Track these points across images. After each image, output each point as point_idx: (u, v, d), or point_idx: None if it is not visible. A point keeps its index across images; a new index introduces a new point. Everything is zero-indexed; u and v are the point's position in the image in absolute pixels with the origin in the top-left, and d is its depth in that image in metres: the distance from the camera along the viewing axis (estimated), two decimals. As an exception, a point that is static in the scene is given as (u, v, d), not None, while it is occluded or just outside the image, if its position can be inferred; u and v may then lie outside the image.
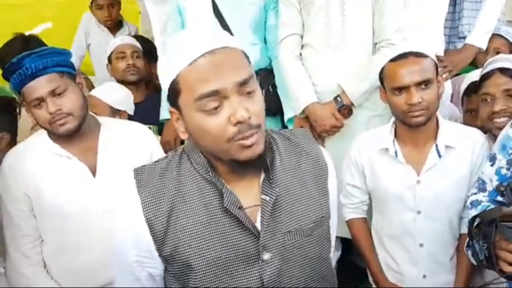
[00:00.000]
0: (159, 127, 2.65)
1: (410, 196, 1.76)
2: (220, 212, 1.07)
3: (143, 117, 2.51)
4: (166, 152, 2.49)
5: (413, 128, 1.73)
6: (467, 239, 1.43)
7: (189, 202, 1.07)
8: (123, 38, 2.88)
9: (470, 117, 2.09)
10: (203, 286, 1.07)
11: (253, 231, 1.07)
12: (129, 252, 1.10)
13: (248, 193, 1.09)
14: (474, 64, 2.47)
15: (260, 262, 1.08)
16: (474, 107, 2.04)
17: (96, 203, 1.66)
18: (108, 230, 1.61)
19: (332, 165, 1.23)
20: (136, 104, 2.56)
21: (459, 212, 1.77)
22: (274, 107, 2.37)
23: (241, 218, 1.06)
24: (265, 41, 2.40)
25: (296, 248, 1.12)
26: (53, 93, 1.57)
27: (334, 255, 2.44)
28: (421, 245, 1.79)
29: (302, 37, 2.27)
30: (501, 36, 2.61)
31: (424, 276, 1.81)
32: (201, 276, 1.07)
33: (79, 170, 1.66)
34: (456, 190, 1.74)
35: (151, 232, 1.06)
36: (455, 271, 1.81)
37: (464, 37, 2.60)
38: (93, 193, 1.66)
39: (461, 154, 1.73)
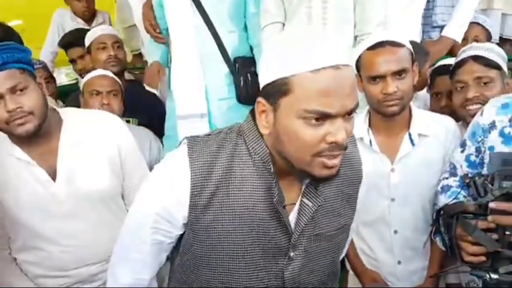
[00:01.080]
0: (139, 119, 2.61)
1: (384, 184, 1.79)
2: (264, 205, 1.08)
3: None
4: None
5: (387, 117, 1.75)
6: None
7: (237, 186, 1.07)
8: (104, 28, 2.80)
9: (436, 100, 2.11)
10: (226, 268, 1.11)
11: (288, 229, 1.10)
12: (154, 212, 1.11)
13: (289, 191, 1.11)
14: (450, 54, 2.49)
15: (286, 259, 1.12)
16: (440, 89, 2.07)
17: (58, 207, 1.61)
18: (73, 232, 1.62)
19: (365, 173, 1.24)
20: None
21: (432, 199, 1.79)
22: (252, 96, 2.36)
23: (283, 216, 1.08)
24: (245, 29, 2.41)
25: (318, 249, 1.16)
26: (13, 90, 1.47)
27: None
28: (395, 231, 1.83)
29: (283, 25, 2.28)
30: (478, 24, 2.64)
31: (399, 262, 1.85)
32: (227, 258, 1.10)
33: (38, 176, 1.59)
34: (429, 177, 1.78)
35: (191, 203, 1.07)
36: (429, 257, 1.85)
37: (438, 26, 2.63)
38: (54, 198, 1.60)
39: (433, 142, 1.77)
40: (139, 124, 2.58)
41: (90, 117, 1.72)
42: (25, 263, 1.71)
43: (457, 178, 1.62)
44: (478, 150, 1.55)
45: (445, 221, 1.37)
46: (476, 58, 1.78)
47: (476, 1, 2.50)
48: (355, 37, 2.21)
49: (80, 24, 3.40)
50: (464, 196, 1.51)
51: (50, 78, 2.98)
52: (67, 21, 3.39)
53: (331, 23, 2.16)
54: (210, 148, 1.09)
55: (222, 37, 2.26)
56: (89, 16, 3.38)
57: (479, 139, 1.54)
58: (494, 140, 1.46)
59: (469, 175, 1.49)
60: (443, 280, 1.91)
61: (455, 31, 2.49)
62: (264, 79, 1.02)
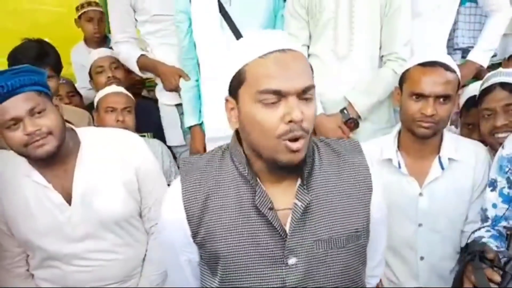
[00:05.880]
0: (154, 132, 2.64)
1: (412, 208, 1.76)
2: (252, 210, 1.11)
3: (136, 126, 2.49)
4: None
5: (418, 139, 1.73)
6: None
7: (225, 195, 1.12)
8: (100, 52, 2.85)
9: (468, 131, 2.08)
10: (229, 276, 1.12)
11: (281, 233, 1.09)
12: (171, 236, 1.18)
13: (282, 196, 1.12)
14: (476, 78, 2.47)
15: (284, 265, 1.10)
16: (472, 121, 2.03)
17: (73, 230, 1.60)
18: (88, 253, 1.62)
19: (379, 182, 1.22)
20: None
21: (460, 225, 1.77)
22: None
23: (270, 219, 1.09)
24: None
25: (324, 257, 1.13)
26: (32, 112, 1.47)
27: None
28: (421, 258, 1.79)
29: (308, 47, 2.27)
30: None
31: (424, 289, 1.81)
32: (227, 266, 1.11)
33: (53, 199, 1.59)
34: (458, 203, 1.74)
35: (187, 218, 1.13)
36: (455, 285, 1.81)
37: (459, 49, 2.61)
38: (69, 222, 1.59)
39: (463, 168, 1.73)
40: (154, 137, 2.61)
41: (109, 139, 1.69)
42: (41, 280, 1.70)
43: (489, 223, 1.60)
44: (509, 181, 1.54)
45: (463, 256, 1.38)
46: (504, 85, 1.75)
47: (503, 27, 2.47)
48: (381, 58, 2.20)
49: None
50: (496, 246, 1.50)
51: (74, 92, 3.04)
52: (83, 56, 3.26)
53: (357, 44, 2.15)
54: (200, 165, 1.17)
55: None
56: (100, 38, 3.32)
57: (507, 169, 1.54)
58: None
59: None
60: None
61: (480, 56, 2.46)
62: (227, 79, 1.11)
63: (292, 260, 1.10)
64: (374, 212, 1.20)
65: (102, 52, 2.84)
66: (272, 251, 1.10)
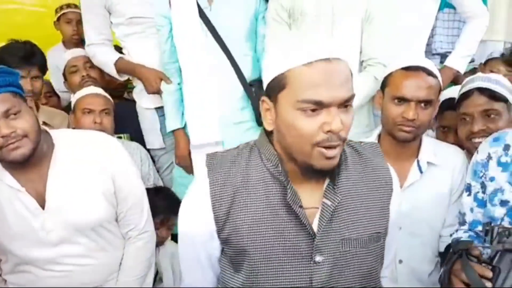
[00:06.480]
0: (134, 135, 2.62)
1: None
2: (281, 208, 1.12)
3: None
4: (182, 165, 2.39)
5: (398, 143, 1.74)
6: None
7: (253, 192, 1.13)
8: (73, 52, 2.79)
9: (443, 134, 2.10)
10: (255, 273, 1.12)
11: (309, 231, 1.11)
12: (193, 231, 1.17)
13: (310, 195, 1.14)
14: (454, 83, 2.49)
15: (312, 263, 1.12)
16: (447, 123, 2.05)
17: (46, 235, 1.57)
18: (62, 258, 1.60)
19: (397, 185, 1.25)
20: None
21: (439, 229, 1.78)
22: None
23: (300, 216, 1.10)
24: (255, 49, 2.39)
25: (350, 256, 1.15)
26: (7, 114, 1.45)
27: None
28: (400, 261, 1.79)
29: None
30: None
31: (402, 293, 1.81)
32: (254, 263, 1.12)
33: (27, 204, 1.55)
34: (436, 207, 1.76)
35: (214, 213, 1.13)
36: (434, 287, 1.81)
37: (438, 54, 2.63)
38: (43, 226, 1.56)
39: (442, 172, 1.75)
40: (131, 138, 2.58)
41: (84, 142, 1.65)
42: (14, 285, 1.66)
43: (466, 227, 1.61)
44: (483, 186, 1.55)
45: (448, 255, 1.36)
46: (482, 90, 1.75)
47: (480, 33, 2.49)
48: (361, 63, 2.22)
49: None
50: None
51: (52, 93, 3.01)
52: (59, 59, 3.09)
53: (339, 47, 2.15)
54: (227, 160, 1.17)
55: (237, 60, 2.24)
56: (79, 40, 3.23)
57: (481, 174, 1.55)
58: (493, 170, 1.49)
59: (492, 223, 1.48)
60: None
61: (457, 62, 2.48)
62: (266, 79, 1.11)
63: (318, 258, 1.12)
64: (392, 213, 1.22)
65: (76, 52, 2.78)
66: (300, 249, 1.11)
